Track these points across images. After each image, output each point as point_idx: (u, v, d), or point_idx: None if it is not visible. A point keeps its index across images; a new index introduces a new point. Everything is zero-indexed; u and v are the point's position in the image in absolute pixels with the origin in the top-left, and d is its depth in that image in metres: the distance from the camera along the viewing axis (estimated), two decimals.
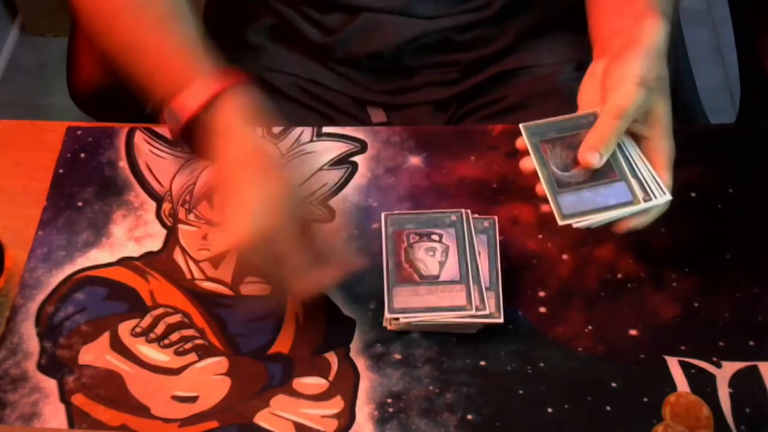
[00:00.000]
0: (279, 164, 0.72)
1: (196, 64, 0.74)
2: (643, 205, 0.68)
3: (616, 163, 0.70)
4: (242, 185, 0.70)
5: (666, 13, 0.74)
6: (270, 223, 0.68)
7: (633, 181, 0.69)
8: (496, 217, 0.76)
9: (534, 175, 0.70)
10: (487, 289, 0.72)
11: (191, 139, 0.73)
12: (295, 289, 0.73)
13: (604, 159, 0.69)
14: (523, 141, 0.72)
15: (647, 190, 0.69)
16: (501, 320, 0.71)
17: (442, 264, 0.73)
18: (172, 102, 0.73)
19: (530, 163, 0.71)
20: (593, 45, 0.78)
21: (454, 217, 0.75)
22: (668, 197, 0.69)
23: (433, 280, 0.73)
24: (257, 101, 0.73)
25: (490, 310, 0.71)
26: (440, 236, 0.75)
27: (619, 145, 0.70)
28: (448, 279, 0.72)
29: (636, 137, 0.71)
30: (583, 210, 0.68)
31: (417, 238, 0.75)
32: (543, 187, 0.69)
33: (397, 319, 0.72)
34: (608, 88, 0.70)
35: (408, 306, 0.71)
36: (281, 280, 0.72)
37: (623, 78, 0.69)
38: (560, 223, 0.68)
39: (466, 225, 0.75)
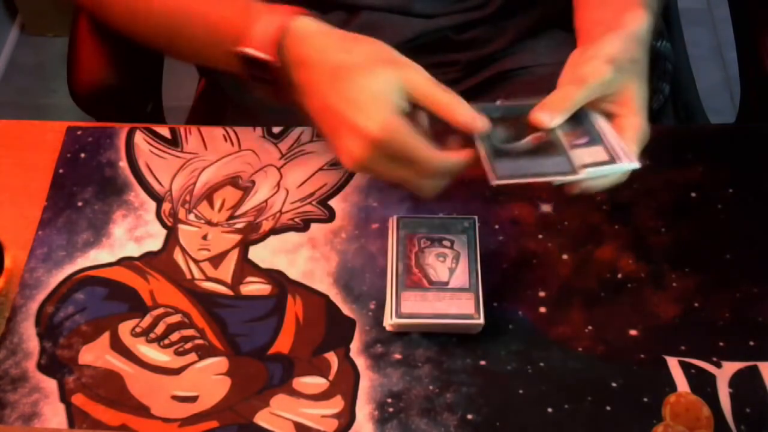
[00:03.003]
0: (373, 62, 0.68)
1: (251, 5, 0.73)
2: (617, 166, 0.67)
3: (585, 130, 0.69)
4: (340, 106, 0.67)
5: (650, 5, 0.73)
6: (384, 125, 0.65)
7: (603, 145, 0.68)
8: (476, 217, 0.76)
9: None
10: (466, 290, 0.72)
11: (271, 79, 0.71)
12: (431, 187, 0.69)
13: (556, 122, 0.68)
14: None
15: (612, 153, 0.67)
16: (481, 322, 0.71)
17: (452, 271, 0.73)
18: (247, 44, 0.70)
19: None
20: (577, 36, 0.77)
21: (466, 224, 0.75)
22: (637, 163, 0.67)
23: (442, 287, 0.72)
24: (322, 24, 0.72)
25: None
26: (452, 242, 0.75)
27: (584, 116, 0.69)
28: (457, 286, 0.72)
29: (607, 116, 0.70)
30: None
31: (428, 243, 0.75)
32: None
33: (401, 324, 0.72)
34: (578, 64, 0.69)
35: (415, 312, 0.71)
36: (417, 182, 0.69)
37: (594, 56, 0.69)
38: (493, 183, 0.66)
39: (476, 232, 0.75)
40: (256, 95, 0.75)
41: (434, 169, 0.67)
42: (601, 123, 0.69)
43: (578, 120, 0.69)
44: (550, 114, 0.68)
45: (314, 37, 0.71)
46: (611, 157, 0.67)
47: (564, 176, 0.66)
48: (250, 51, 0.70)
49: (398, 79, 0.67)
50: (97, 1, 0.84)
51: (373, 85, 0.67)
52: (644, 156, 0.68)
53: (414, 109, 0.68)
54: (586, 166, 0.66)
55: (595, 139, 0.68)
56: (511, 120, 0.70)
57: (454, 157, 0.68)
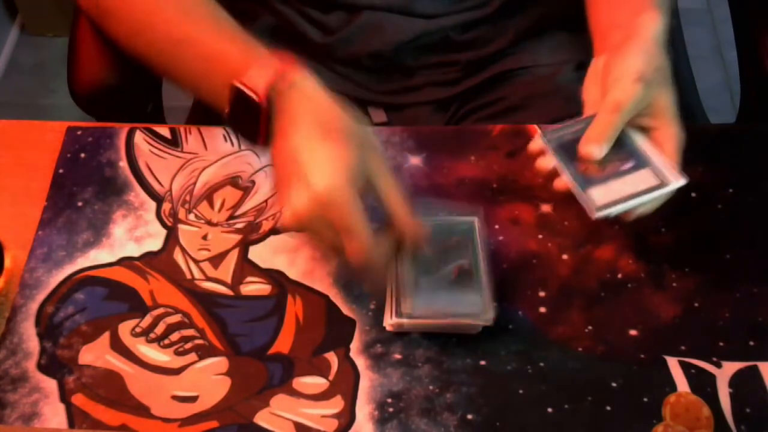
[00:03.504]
0: (349, 136, 0.69)
1: (253, 49, 0.74)
2: (667, 188, 0.70)
3: (629, 153, 0.71)
4: (302, 156, 0.68)
5: (663, 6, 0.74)
6: (333, 186, 0.66)
7: (650, 168, 0.70)
8: (476, 217, 0.76)
9: (550, 174, 0.72)
10: (473, 288, 0.72)
11: (255, 123, 0.72)
12: (356, 261, 0.69)
13: (604, 151, 0.70)
14: (538, 144, 0.74)
15: (661, 175, 0.70)
16: (492, 316, 0.71)
17: (458, 270, 0.73)
18: (241, 80, 0.71)
19: (547, 162, 0.73)
20: (593, 40, 0.78)
21: (467, 224, 0.75)
22: (684, 180, 0.70)
23: (449, 287, 0.72)
24: (320, 84, 0.72)
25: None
26: (455, 242, 0.75)
27: (625, 138, 0.71)
28: (464, 285, 0.72)
29: (644, 130, 0.72)
30: (615, 199, 0.69)
31: (432, 243, 0.75)
32: (570, 185, 0.71)
33: (402, 324, 0.72)
34: (608, 85, 0.71)
35: (425, 312, 0.71)
36: (339, 252, 0.69)
37: (623, 74, 0.70)
38: (595, 215, 0.69)
39: (478, 231, 0.75)
40: (231, 129, 0.75)
41: (363, 248, 0.68)
42: (642, 143, 0.72)
43: (619, 143, 0.71)
44: (597, 145, 0.70)
45: (310, 94, 0.71)
46: (660, 181, 0.70)
47: (656, 191, 0.70)
48: (243, 87, 0.71)
49: (366, 159, 0.69)
50: (101, 12, 0.84)
51: (339, 151, 0.68)
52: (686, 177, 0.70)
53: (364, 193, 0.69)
54: (632, 196, 0.70)
55: (641, 162, 0.71)
56: (575, 141, 0.72)
57: (381, 245, 0.70)
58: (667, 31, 0.74)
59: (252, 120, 0.72)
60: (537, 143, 0.74)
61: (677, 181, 0.70)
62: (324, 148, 0.68)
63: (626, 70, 0.70)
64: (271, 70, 0.71)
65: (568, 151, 0.72)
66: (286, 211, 0.68)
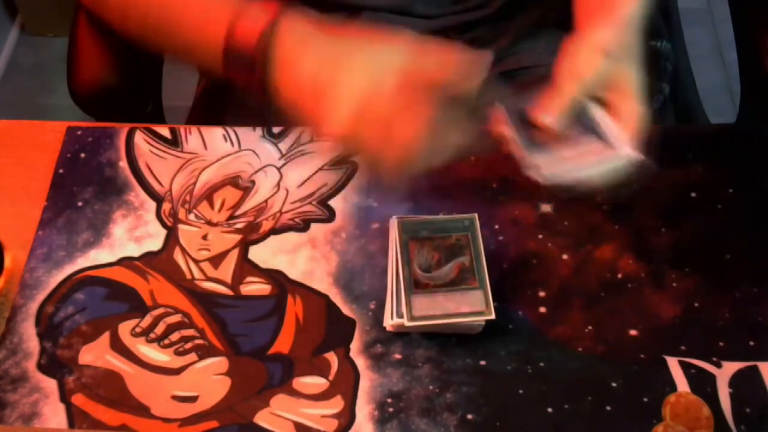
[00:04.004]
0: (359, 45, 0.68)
1: (241, 3, 0.73)
2: (618, 160, 0.67)
3: (584, 124, 0.69)
4: (321, 75, 0.67)
5: None
6: (374, 84, 0.65)
7: (603, 140, 0.69)
8: (476, 215, 0.75)
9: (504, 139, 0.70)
10: (474, 288, 0.72)
11: (252, 74, 0.71)
12: (411, 168, 0.68)
13: (560, 122, 0.68)
14: (501, 127, 0.71)
15: (613, 147, 0.68)
16: (492, 317, 0.71)
17: (458, 269, 0.73)
18: (234, 36, 0.70)
19: (505, 130, 0.70)
20: (575, 23, 0.77)
21: (467, 222, 0.75)
22: (636, 155, 0.67)
23: (450, 287, 0.72)
24: (312, 17, 0.72)
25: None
26: (455, 241, 0.75)
27: (582, 110, 0.69)
28: (464, 285, 0.72)
29: (605, 106, 0.70)
30: (563, 167, 0.68)
31: (431, 243, 0.74)
32: (518, 151, 0.69)
33: (402, 324, 0.72)
34: (571, 55, 0.70)
35: (427, 313, 0.71)
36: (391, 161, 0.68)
37: (586, 46, 0.69)
38: (543, 181, 0.68)
39: (478, 230, 0.75)
40: (234, 84, 0.74)
41: (413, 149, 0.66)
42: (599, 116, 0.70)
43: (576, 114, 0.69)
44: (551, 116, 0.68)
45: (305, 25, 0.71)
46: (612, 152, 0.67)
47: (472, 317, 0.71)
48: (234, 45, 0.70)
49: (401, 45, 0.68)
50: None
51: (377, 47, 0.67)
52: (645, 155, 0.68)
53: None
54: (581, 166, 0.67)
55: (594, 133, 0.69)
56: (429, 239, 0.73)
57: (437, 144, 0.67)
58: (645, 17, 0.73)
59: (249, 71, 0.71)
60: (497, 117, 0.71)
61: (628, 154, 0.67)
62: (364, 50, 0.67)
63: (590, 41, 0.69)
64: (260, 21, 0.70)
65: (523, 119, 0.69)
66: (330, 128, 0.67)
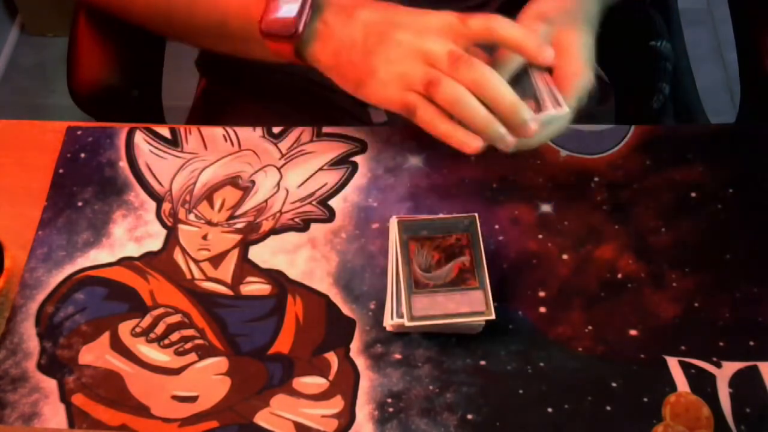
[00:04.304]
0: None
1: None
2: (543, 114, 0.70)
3: (520, 85, 0.72)
4: (396, 30, 0.69)
5: None
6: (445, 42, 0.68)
7: (533, 98, 0.71)
8: (476, 214, 0.75)
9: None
10: (474, 288, 0.72)
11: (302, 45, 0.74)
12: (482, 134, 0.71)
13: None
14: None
15: (543, 104, 0.71)
16: (492, 317, 0.71)
17: (458, 269, 0.73)
18: (266, 19, 0.73)
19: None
20: None
21: (467, 222, 0.75)
22: (564, 108, 0.70)
23: (450, 287, 0.72)
24: None
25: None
26: (455, 241, 0.75)
27: (521, 73, 0.73)
28: (464, 285, 0.72)
29: (550, 70, 0.73)
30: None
31: (431, 243, 0.74)
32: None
33: (402, 324, 0.72)
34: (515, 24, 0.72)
35: (427, 313, 0.71)
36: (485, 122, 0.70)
37: (527, 14, 0.73)
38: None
39: (478, 229, 0.75)
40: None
41: (515, 107, 0.68)
42: (535, 75, 0.73)
43: (518, 78, 0.73)
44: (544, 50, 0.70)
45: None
46: (538, 106, 0.71)
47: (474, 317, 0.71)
48: (271, 31, 0.73)
49: (452, 16, 0.71)
50: None
51: (433, 16, 0.70)
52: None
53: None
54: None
55: (527, 91, 0.72)
56: (429, 239, 0.74)
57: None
58: None
59: (285, 43, 0.74)
60: None
61: (553, 111, 0.70)
62: (417, 18, 0.70)
63: (530, 10, 0.73)
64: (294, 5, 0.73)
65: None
66: (396, 91, 0.71)
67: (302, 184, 0.83)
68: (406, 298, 0.71)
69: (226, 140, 0.86)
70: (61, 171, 0.84)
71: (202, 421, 0.70)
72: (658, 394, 0.70)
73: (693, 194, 0.81)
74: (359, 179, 0.83)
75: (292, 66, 0.98)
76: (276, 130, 0.86)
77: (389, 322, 0.72)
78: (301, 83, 0.98)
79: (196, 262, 0.78)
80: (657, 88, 1.05)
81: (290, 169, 0.84)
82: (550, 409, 0.70)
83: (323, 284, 0.77)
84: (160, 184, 0.83)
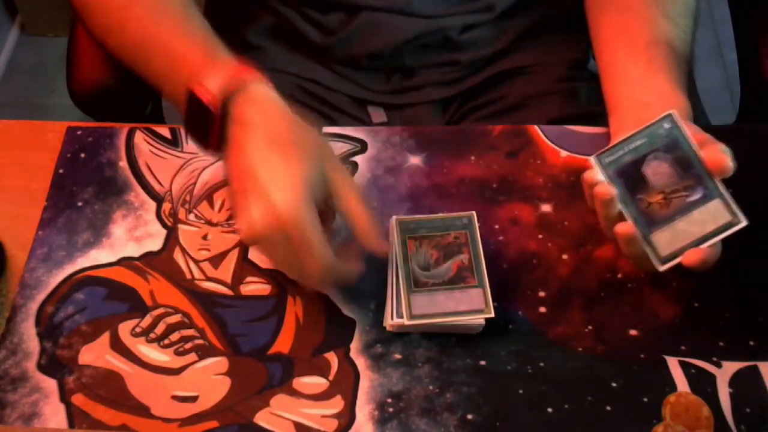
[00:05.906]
0: (306, 148, 0.70)
1: (215, 53, 0.74)
2: (740, 225, 0.68)
3: (697, 177, 0.70)
4: (260, 171, 0.68)
5: (687, 88, 0.76)
6: (290, 207, 0.66)
7: (720, 199, 0.69)
8: (474, 213, 0.75)
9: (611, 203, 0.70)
10: (473, 286, 0.72)
11: (208, 127, 0.72)
12: (311, 284, 0.72)
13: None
14: (594, 174, 0.71)
15: (732, 209, 0.69)
16: (492, 315, 0.71)
17: (457, 268, 0.73)
18: (197, 83, 0.71)
19: (607, 189, 0.70)
20: (610, 111, 0.78)
21: (465, 220, 0.75)
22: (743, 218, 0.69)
23: (449, 285, 0.72)
24: (275, 92, 0.73)
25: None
26: (454, 240, 0.75)
27: (692, 157, 0.70)
28: (463, 283, 0.72)
29: None
30: (681, 246, 0.69)
31: (430, 242, 0.74)
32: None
33: (402, 324, 0.72)
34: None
35: (427, 312, 0.71)
36: (300, 273, 0.71)
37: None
38: (660, 268, 0.70)
39: (476, 227, 0.75)
40: (186, 132, 0.76)
41: (323, 270, 0.69)
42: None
43: (685, 163, 0.70)
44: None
45: (265, 103, 0.72)
46: (731, 217, 0.69)
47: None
48: (197, 90, 0.71)
49: (324, 172, 0.70)
50: (80, 5, 0.84)
51: (296, 166, 0.68)
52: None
53: (325, 208, 0.71)
54: (701, 239, 0.69)
55: (710, 191, 0.70)
56: (428, 238, 0.74)
57: (346, 266, 0.71)
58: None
59: (205, 124, 0.72)
60: (593, 173, 0.71)
61: (744, 218, 0.68)
62: (281, 163, 0.68)
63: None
64: (226, 75, 0.71)
65: (628, 177, 0.70)
66: (243, 226, 0.69)
67: None
68: (406, 297, 0.71)
69: None
70: (61, 171, 0.84)
71: (202, 421, 0.69)
72: (658, 394, 0.70)
73: None
74: (359, 179, 0.83)
75: (292, 66, 0.99)
76: None
77: (389, 321, 0.72)
78: (301, 83, 0.98)
79: (196, 262, 0.78)
80: None
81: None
82: (550, 409, 0.70)
83: None
84: (160, 184, 0.83)
